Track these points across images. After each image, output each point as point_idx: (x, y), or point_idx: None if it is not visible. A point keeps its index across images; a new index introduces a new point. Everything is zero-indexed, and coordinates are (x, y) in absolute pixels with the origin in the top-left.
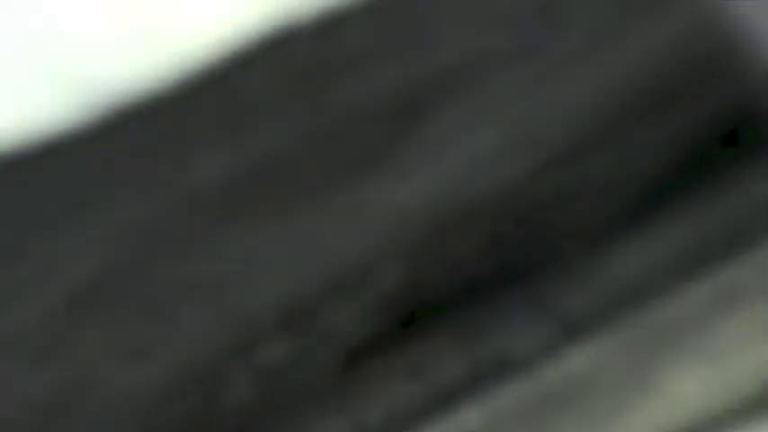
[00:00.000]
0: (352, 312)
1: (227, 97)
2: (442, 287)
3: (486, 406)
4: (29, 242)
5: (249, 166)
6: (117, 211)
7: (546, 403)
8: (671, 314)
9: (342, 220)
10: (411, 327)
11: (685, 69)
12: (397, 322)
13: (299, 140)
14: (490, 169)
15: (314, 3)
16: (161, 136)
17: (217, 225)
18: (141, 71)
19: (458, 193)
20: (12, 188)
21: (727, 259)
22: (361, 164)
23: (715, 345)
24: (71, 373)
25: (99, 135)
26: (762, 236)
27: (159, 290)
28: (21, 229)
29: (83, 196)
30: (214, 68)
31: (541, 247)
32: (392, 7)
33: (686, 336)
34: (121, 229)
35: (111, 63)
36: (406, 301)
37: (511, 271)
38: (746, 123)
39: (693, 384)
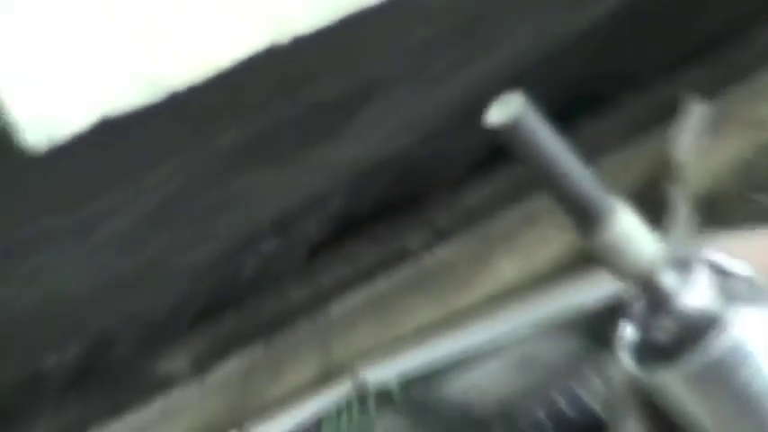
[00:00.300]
0: (315, 224)
1: (235, 92)
2: (369, 208)
3: (390, 278)
4: (124, 177)
5: (255, 136)
6: (176, 160)
7: (425, 279)
8: (499, 227)
9: (312, 168)
10: (349, 233)
11: None
12: (340, 231)
13: (287, 120)
14: (395, 140)
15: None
16: (196, 117)
17: (235, 171)
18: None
19: (378, 152)
20: (103, 148)
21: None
22: (324, 134)
23: (524, 244)
24: (151, 257)
25: (155, 113)
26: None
27: (203, 208)
28: (117, 167)
29: (154, 152)
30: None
31: (423, 186)
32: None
33: (507, 240)
34: (179, 172)
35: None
36: (346, 217)
37: (408, 198)
38: None
39: (512, 270)
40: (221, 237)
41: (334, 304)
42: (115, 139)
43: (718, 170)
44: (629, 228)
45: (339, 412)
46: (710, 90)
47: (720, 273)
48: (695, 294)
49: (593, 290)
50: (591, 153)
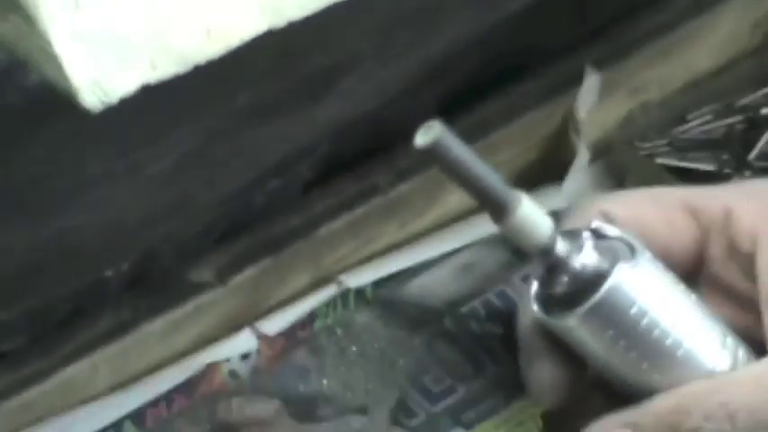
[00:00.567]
0: (308, 167)
1: (243, 66)
2: (349, 154)
3: (365, 208)
4: (162, 132)
5: (261, 100)
6: (200, 119)
7: (391, 208)
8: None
9: (304, 123)
10: (334, 174)
11: None
12: (327, 171)
13: (285, 87)
14: (368, 101)
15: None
16: (215, 85)
17: (246, 128)
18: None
19: (355, 111)
20: (144, 110)
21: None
22: (313, 98)
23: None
24: (184, 192)
25: (183, 82)
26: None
27: (222, 155)
28: (156, 124)
29: (184, 113)
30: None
31: (390, 137)
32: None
33: None
34: (203, 128)
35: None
36: (332, 161)
37: (379, 146)
38: None
39: (456, 202)
40: (236, 177)
41: (322, 228)
42: (153, 103)
43: (609, 124)
44: (529, 213)
45: (327, 308)
46: (605, 63)
47: (602, 237)
48: (583, 257)
49: None
50: (517, 112)
